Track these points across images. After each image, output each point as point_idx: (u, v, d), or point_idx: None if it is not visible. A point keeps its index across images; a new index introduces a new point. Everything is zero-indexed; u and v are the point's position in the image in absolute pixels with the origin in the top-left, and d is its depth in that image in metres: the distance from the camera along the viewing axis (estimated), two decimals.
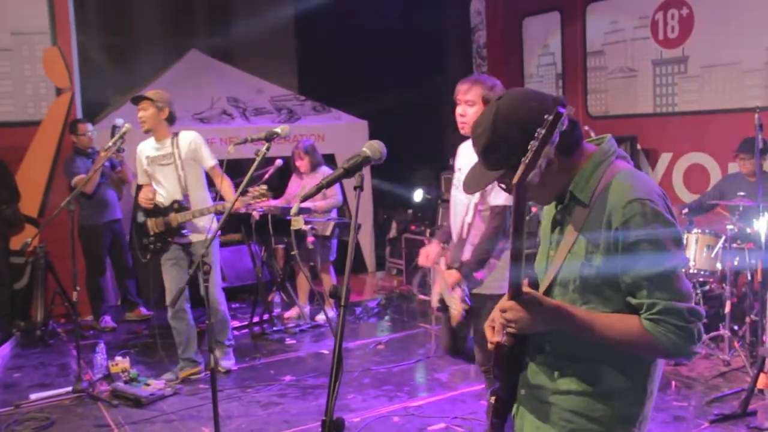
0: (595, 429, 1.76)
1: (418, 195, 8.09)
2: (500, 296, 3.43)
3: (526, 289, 1.67)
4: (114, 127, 5.54)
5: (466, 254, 3.38)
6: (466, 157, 3.53)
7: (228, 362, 5.27)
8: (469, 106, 3.36)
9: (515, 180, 1.54)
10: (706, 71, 6.67)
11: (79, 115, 6.91)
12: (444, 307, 3.46)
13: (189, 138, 4.90)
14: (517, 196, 1.55)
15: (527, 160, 1.53)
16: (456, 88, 3.41)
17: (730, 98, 6.47)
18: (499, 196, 3.30)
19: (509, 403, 1.87)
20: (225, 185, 4.79)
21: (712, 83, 6.63)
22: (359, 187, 1.85)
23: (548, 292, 1.79)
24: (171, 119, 4.91)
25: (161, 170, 4.93)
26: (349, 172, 1.89)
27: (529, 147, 1.54)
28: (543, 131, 1.54)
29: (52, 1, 6.76)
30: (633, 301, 1.67)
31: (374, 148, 1.95)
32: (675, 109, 6.98)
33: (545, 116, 1.54)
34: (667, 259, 1.64)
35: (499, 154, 1.70)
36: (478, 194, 3.32)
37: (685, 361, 1.71)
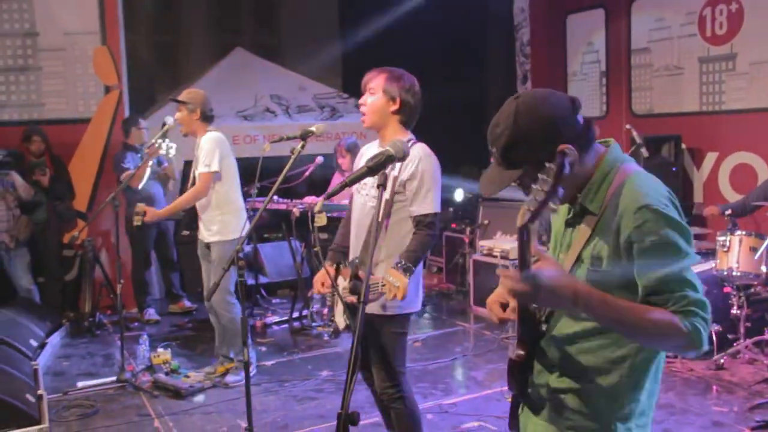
0: (593, 426, 1.78)
1: (458, 194, 8.08)
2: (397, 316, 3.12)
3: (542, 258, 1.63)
4: (163, 125, 5.67)
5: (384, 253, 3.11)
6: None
7: (234, 378, 4.99)
8: (370, 94, 3.15)
9: (518, 224, 1.54)
10: (755, 68, 6.50)
11: (127, 112, 7.11)
12: (349, 327, 3.12)
13: (204, 140, 4.81)
14: (520, 239, 1.56)
15: (533, 209, 1.52)
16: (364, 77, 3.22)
17: None
18: (425, 205, 3.09)
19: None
20: (189, 191, 4.82)
21: (762, 80, 6.46)
22: (382, 185, 1.88)
23: None
24: (206, 118, 4.86)
25: None
26: (372, 171, 1.92)
27: (534, 195, 1.52)
28: (549, 180, 1.51)
29: (103, 2, 6.96)
30: (655, 298, 1.65)
31: (397, 146, 1.98)
32: (722, 107, 6.82)
33: (547, 164, 1.53)
34: (682, 259, 1.64)
35: (520, 152, 1.70)
36: (388, 193, 3.08)
37: (694, 355, 1.66)
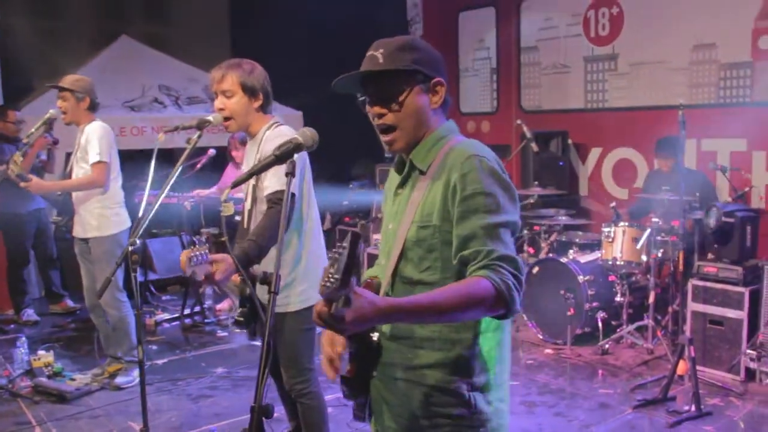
0: (450, 400, 1.76)
1: (352, 189, 8.11)
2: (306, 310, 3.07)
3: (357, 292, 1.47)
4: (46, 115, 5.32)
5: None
6: (252, 158, 3.06)
7: (124, 379, 4.76)
8: (227, 97, 2.96)
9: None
10: (634, 68, 6.86)
11: (0, 100, 6.63)
12: (248, 320, 2.84)
13: (89, 130, 4.53)
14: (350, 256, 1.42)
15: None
16: (210, 77, 3.01)
17: (656, 95, 6.67)
18: (273, 182, 2.87)
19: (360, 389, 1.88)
20: (84, 177, 4.51)
21: (640, 80, 6.82)
22: (291, 174, 1.83)
23: (398, 264, 1.79)
24: (93, 107, 4.61)
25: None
26: (280, 159, 1.86)
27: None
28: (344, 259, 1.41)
29: None
30: (466, 252, 1.65)
31: (306, 135, 1.94)
32: (605, 105, 7.16)
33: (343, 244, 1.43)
34: (503, 213, 1.66)
35: (409, 56, 1.76)
36: (253, 180, 2.95)
37: (509, 314, 1.61)
